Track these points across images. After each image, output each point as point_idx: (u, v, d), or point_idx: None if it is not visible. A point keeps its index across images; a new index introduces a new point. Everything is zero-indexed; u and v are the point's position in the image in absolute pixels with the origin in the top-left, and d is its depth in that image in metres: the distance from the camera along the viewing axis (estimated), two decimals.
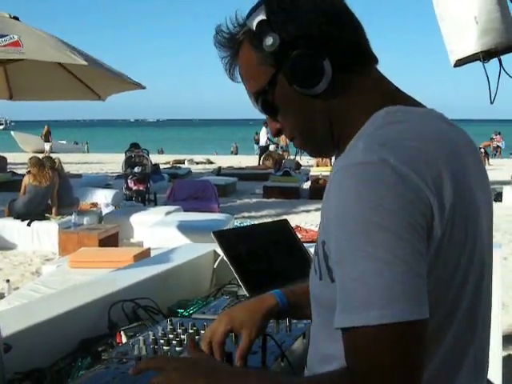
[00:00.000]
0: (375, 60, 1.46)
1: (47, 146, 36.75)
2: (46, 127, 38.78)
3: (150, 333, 2.09)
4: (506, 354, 5.70)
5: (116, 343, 2.18)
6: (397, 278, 1.10)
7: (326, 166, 20.95)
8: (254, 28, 1.39)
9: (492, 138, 42.51)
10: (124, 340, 2.18)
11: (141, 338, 2.04)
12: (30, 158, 12.08)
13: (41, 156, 12.87)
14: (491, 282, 1.44)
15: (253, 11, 1.40)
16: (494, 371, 2.37)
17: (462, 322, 1.29)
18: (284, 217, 3.87)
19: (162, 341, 2.04)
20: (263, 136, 30.19)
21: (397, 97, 1.42)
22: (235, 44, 1.45)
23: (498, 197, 17.41)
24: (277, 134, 1.52)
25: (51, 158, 13.08)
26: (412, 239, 1.13)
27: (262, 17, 1.38)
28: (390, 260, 1.11)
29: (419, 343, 1.12)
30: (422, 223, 1.15)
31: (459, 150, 1.34)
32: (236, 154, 45.57)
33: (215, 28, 1.48)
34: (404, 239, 1.12)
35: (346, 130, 1.40)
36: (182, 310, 2.61)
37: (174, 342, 2.03)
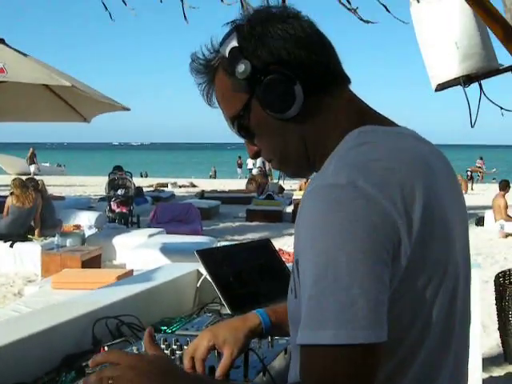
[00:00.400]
0: (347, 80, 1.48)
1: (32, 168, 36.63)
2: (30, 149, 38.71)
3: (134, 348, 2.11)
4: (486, 376, 5.75)
5: None
6: (353, 301, 1.13)
7: None
8: (227, 55, 1.42)
9: (479, 167, 43.22)
10: None
11: None
12: (14, 180, 12.06)
13: (25, 178, 12.85)
14: (469, 298, 1.47)
15: (226, 38, 1.44)
16: None
17: (436, 337, 1.32)
18: None
19: None
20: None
21: (370, 116, 1.45)
22: (211, 70, 1.48)
23: (480, 221, 17.54)
24: (254, 156, 1.55)
25: (34, 179, 13.07)
26: (373, 265, 1.15)
27: (234, 43, 1.41)
28: (348, 284, 1.14)
29: (369, 365, 1.15)
30: (386, 247, 1.18)
31: (432, 168, 1.36)
32: (215, 177, 45.40)
33: (191, 56, 1.51)
34: (364, 264, 1.15)
35: (321, 150, 1.43)
36: (165, 327, 2.63)
37: None
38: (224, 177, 43.99)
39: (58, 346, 2.27)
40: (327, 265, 1.15)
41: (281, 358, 2.15)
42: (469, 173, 35.84)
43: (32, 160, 37.97)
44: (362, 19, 3.58)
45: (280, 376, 2.01)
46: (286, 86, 1.38)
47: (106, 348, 2.23)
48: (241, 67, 1.39)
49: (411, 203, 1.22)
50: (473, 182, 35.18)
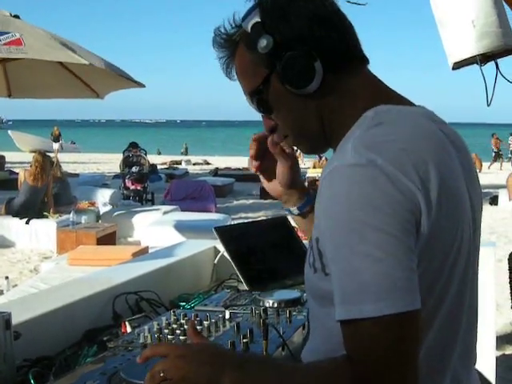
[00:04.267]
0: (366, 60, 1.50)
1: (56, 146, 36.38)
2: (55, 128, 38.50)
3: (155, 323, 2.14)
4: (500, 353, 5.78)
5: (121, 333, 2.23)
6: (389, 272, 1.16)
7: (323, 167, 20.93)
8: (249, 30, 1.44)
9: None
10: (129, 330, 2.23)
11: (146, 327, 2.10)
12: (39, 153, 11.94)
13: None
14: (477, 272, 1.49)
15: (248, 13, 1.46)
16: (488, 370, 2.40)
17: (449, 309, 1.35)
18: None
19: (166, 330, 2.10)
20: None
21: (387, 96, 1.47)
22: (232, 44, 1.51)
23: (494, 200, 17.48)
24: (270, 131, 1.59)
25: (49, 156, 13.11)
26: (401, 235, 1.19)
27: (256, 19, 1.43)
28: (382, 256, 1.17)
29: (413, 331, 1.18)
30: (410, 220, 1.21)
31: (447, 147, 1.38)
32: (186, 154, 44.35)
33: (213, 30, 1.53)
34: (394, 236, 1.18)
35: (337, 129, 1.45)
36: (184, 303, 2.67)
37: (177, 331, 2.09)
38: (238, 154, 43.82)
39: (79, 320, 2.31)
40: (359, 242, 1.18)
41: (299, 334, 2.18)
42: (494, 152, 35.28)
43: (57, 138, 37.77)
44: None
45: (298, 351, 2.04)
46: (306, 61, 1.40)
47: (126, 323, 2.27)
48: (263, 42, 1.41)
49: (427, 181, 1.25)
50: (502, 160, 34.94)
